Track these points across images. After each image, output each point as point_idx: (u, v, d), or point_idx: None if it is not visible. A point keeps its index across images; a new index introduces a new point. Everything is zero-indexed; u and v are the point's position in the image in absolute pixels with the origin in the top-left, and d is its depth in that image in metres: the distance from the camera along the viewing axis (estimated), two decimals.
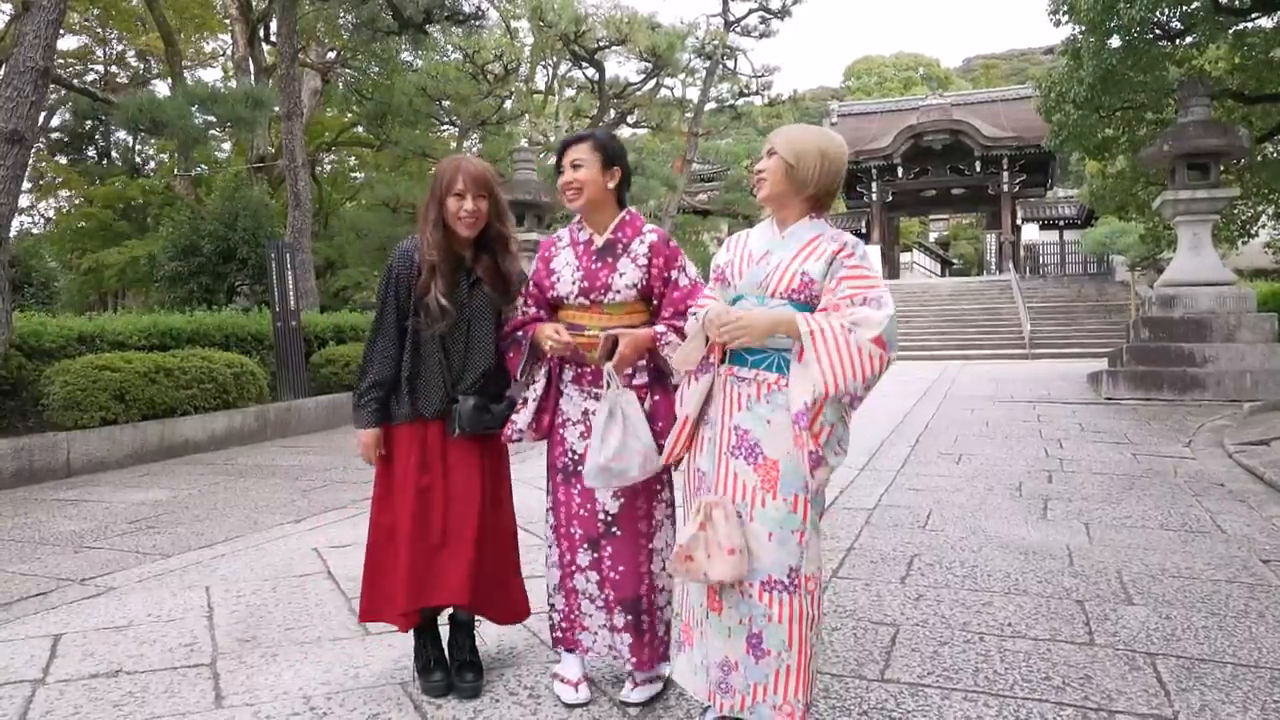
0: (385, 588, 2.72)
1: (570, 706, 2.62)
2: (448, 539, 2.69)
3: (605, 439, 2.48)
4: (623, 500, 2.60)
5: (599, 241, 2.70)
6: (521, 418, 2.72)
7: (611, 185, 2.68)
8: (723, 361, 2.36)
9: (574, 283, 2.67)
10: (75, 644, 3.28)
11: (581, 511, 2.66)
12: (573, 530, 2.68)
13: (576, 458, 2.67)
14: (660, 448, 2.52)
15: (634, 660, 2.62)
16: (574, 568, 2.69)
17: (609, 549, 2.61)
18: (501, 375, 2.81)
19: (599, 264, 2.66)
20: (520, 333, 2.75)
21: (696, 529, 2.21)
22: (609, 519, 2.62)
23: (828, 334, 2.12)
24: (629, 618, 2.61)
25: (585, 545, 2.66)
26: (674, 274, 2.65)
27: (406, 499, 2.67)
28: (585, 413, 2.67)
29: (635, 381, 2.63)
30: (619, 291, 2.64)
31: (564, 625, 2.75)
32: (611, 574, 2.62)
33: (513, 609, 2.89)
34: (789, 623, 2.20)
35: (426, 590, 2.66)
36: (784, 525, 2.21)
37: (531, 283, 2.80)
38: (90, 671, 3.01)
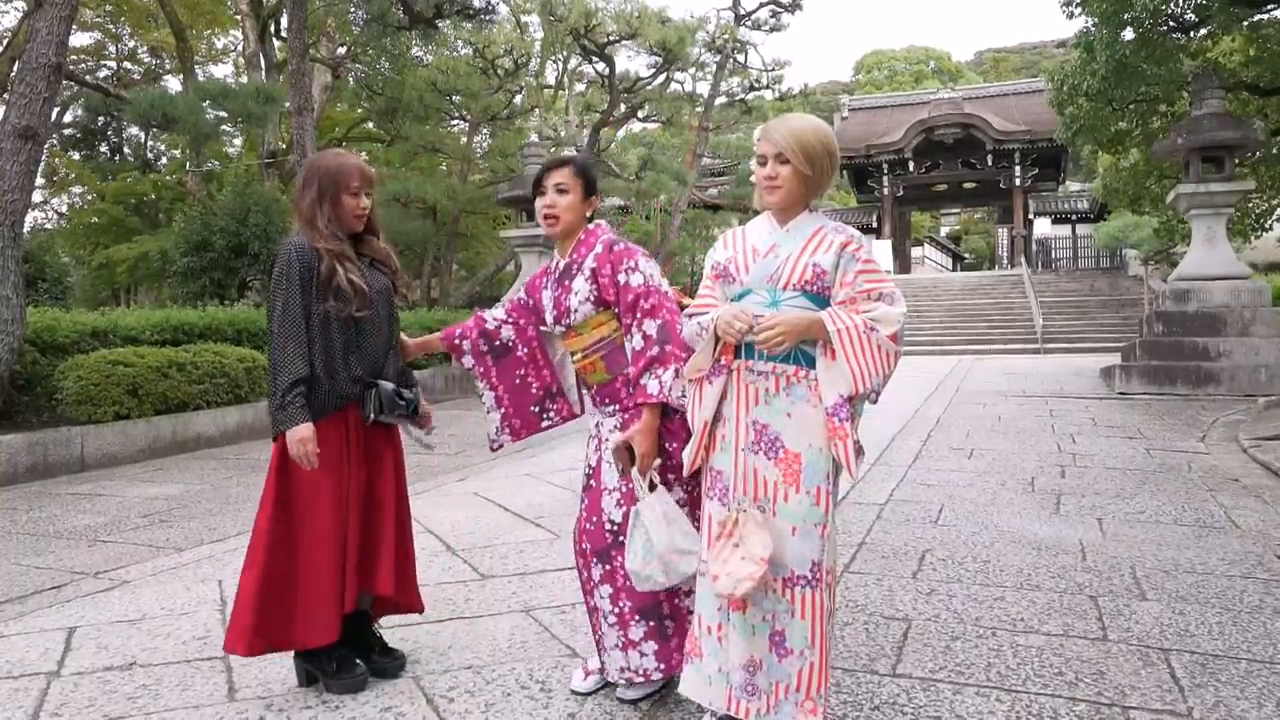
0: (292, 607, 2.63)
1: (573, 692, 2.64)
2: (379, 532, 2.74)
3: (631, 543, 2.43)
4: (626, 508, 2.51)
5: (560, 266, 2.69)
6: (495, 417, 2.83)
7: (588, 214, 2.67)
8: (735, 358, 2.33)
9: (550, 311, 2.69)
10: (89, 637, 3.30)
11: (588, 525, 2.61)
12: (584, 545, 2.62)
13: (590, 470, 2.65)
14: (682, 551, 2.39)
15: (663, 667, 2.50)
16: (591, 584, 2.61)
17: (619, 559, 2.52)
18: (398, 359, 2.90)
19: (559, 289, 2.66)
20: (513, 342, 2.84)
21: (722, 544, 2.19)
22: (615, 528, 2.54)
23: (853, 332, 2.17)
24: (650, 624, 2.50)
25: (596, 559, 2.57)
26: (622, 276, 2.53)
27: (347, 497, 2.67)
28: (597, 424, 2.66)
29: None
30: (576, 310, 2.60)
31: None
32: (626, 583, 2.49)
33: (417, 599, 2.93)
34: (811, 619, 2.19)
35: (362, 588, 2.69)
36: (807, 519, 2.20)
37: (528, 296, 2.84)
38: (104, 664, 3.03)
